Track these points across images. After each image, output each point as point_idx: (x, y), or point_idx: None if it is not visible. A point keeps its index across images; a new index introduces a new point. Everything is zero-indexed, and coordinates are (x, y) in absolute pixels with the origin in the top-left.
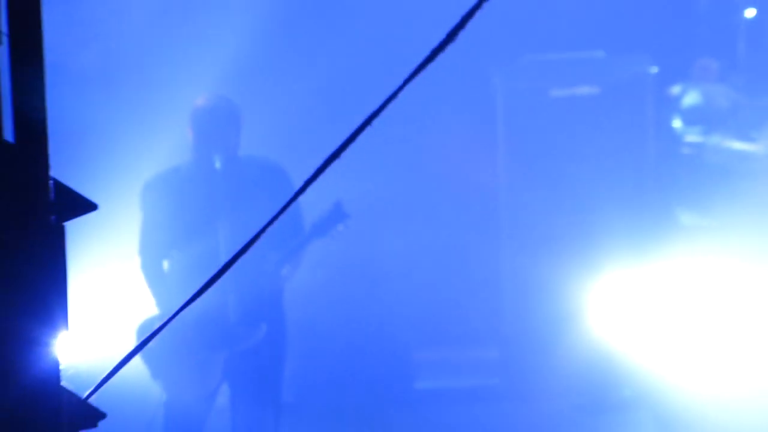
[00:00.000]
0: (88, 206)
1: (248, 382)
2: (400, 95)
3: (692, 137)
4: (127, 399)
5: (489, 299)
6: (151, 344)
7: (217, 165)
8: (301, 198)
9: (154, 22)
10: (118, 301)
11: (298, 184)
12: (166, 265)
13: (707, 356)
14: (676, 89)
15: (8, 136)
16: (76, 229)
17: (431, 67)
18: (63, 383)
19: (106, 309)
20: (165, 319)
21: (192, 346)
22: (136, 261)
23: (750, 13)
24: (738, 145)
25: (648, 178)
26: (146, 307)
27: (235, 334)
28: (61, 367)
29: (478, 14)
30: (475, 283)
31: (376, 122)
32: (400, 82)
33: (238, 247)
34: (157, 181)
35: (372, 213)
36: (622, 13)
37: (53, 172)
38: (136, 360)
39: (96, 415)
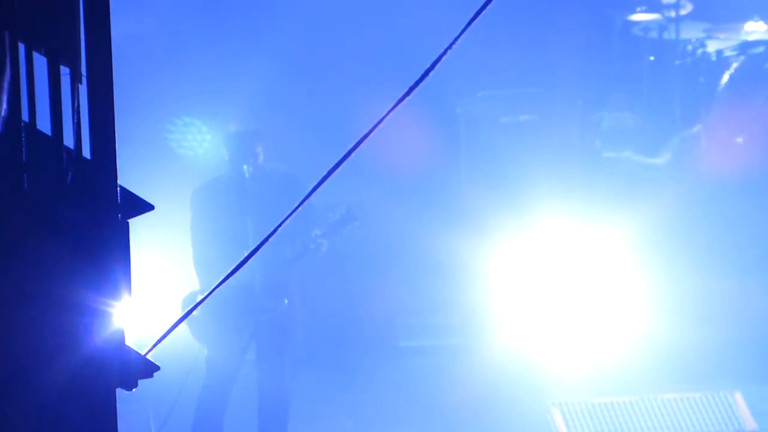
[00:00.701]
0: (146, 207)
1: (271, 342)
2: (385, 120)
3: (609, 153)
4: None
5: (453, 279)
6: (195, 313)
7: (247, 175)
8: (316, 201)
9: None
10: (168, 279)
11: (310, 188)
12: (209, 252)
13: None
14: (596, 116)
15: (86, 153)
16: (137, 224)
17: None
18: (127, 342)
19: (159, 285)
20: (206, 293)
21: (228, 315)
22: (189, 250)
23: (651, 57)
24: (643, 159)
25: (576, 184)
26: (190, 284)
27: (261, 305)
28: (126, 329)
29: (448, 56)
30: (441, 267)
31: (367, 142)
32: (383, 110)
33: (262, 238)
34: (203, 188)
35: (366, 216)
36: (554, 57)
37: (119, 181)
38: (182, 325)
39: (152, 368)
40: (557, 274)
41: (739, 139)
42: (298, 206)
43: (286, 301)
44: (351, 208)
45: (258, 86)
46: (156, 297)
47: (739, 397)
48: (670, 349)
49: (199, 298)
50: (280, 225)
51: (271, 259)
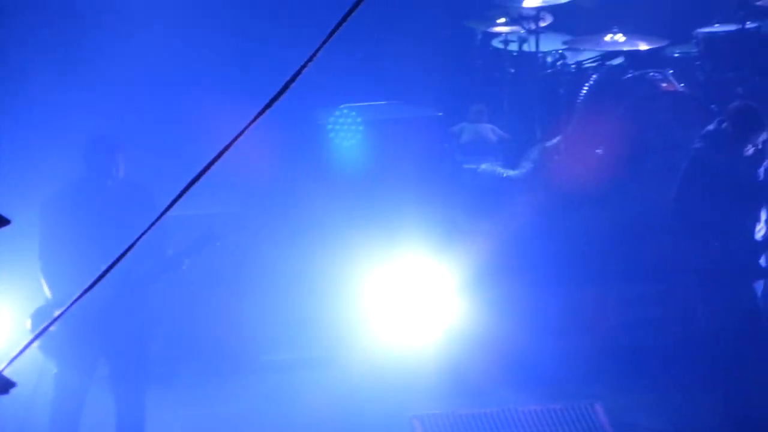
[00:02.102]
0: (2, 221)
1: (126, 359)
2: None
3: (469, 165)
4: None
5: (314, 293)
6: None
7: (104, 185)
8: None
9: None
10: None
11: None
12: (62, 266)
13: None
14: (456, 128)
15: None
16: None
17: (271, 111)
18: None
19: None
20: (55, 308)
21: (79, 331)
22: (37, 263)
23: (511, 69)
24: (503, 171)
25: (438, 193)
26: (40, 299)
27: (114, 321)
28: None
29: (309, 68)
30: (302, 280)
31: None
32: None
33: (118, 252)
34: (54, 199)
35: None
36: (415, 69)
37: None
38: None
39: (9, 384)
40: (417, 288)
41: (599, 151)
42: (157, 220)
43: (142, 317)
44: (214, 226)
45: (117, 91)
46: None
47: (599, 408)
48: (531, 361)
49: (56, 312)
50: (138, 239)
51: (125, 276)
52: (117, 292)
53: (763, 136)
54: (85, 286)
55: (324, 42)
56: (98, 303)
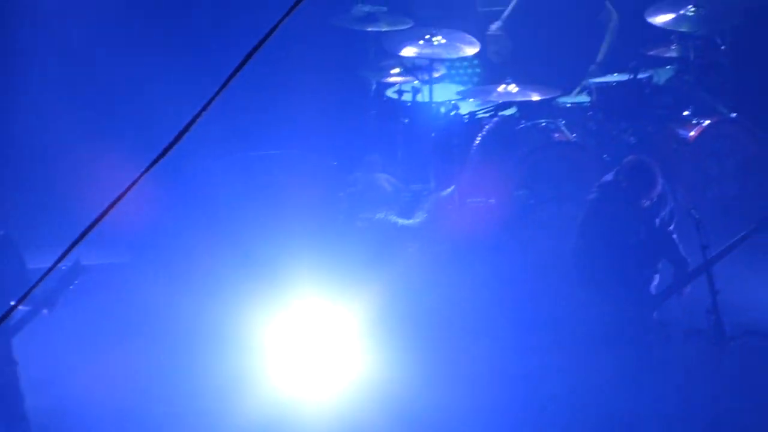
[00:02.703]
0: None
1: None
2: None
3: (364, 215)
4: None
5: (209, 344)
6: None
7: None
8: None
9: None
10: None
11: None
12: None
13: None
14: (351, 177)
15: None
16: None
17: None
18: None
19: None
20: None
21: None
22: None
23: (406, 119)
24: (398, 220)
25: (334, 242)
26: None
27: None
28: None
29: (208, 114)
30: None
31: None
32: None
33: None
34: None
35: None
36: (310, 118)
37: None
38: None
39: None
40: (314, 338)
41: (492, 200)
42: (98, 221)
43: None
44: (79, 260)
45: None
46: None
47: None
48: (431, 415)
49: None
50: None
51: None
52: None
53: (657, 190)
54: None
55: (250, 54)
56: None
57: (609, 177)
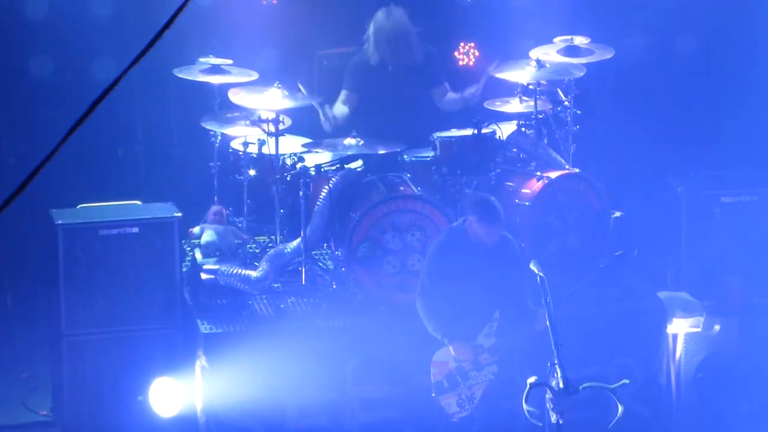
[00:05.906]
0: None
1: None
2: None
3: (209, 266)
4: None
5: None
6: None
7: None
8: None
9: None
10: None
11: None
12: None
13: None
14: (196, 229)
15: None
16: None
17: None
18: None
19: None
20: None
21: None
22: None
23: (251, 171)
24: (241, 271)
25: (176, 295)
26: None
27: None
28: None
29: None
30: None
31: None
32: None
33: None
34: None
35: None
36: (155, 171)
37: None
38: None
39: None
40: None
41: (338, 252)
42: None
43: None
44: None
45: None
46: None
47: None
48: None
49: None
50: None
51: None
52: None
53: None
54: None
55: (147, 48)
56: None
57: (458, 223)
